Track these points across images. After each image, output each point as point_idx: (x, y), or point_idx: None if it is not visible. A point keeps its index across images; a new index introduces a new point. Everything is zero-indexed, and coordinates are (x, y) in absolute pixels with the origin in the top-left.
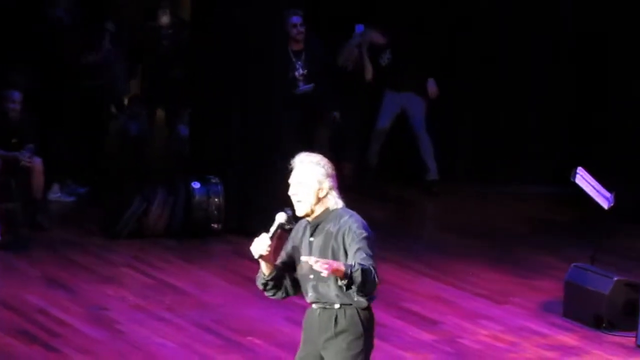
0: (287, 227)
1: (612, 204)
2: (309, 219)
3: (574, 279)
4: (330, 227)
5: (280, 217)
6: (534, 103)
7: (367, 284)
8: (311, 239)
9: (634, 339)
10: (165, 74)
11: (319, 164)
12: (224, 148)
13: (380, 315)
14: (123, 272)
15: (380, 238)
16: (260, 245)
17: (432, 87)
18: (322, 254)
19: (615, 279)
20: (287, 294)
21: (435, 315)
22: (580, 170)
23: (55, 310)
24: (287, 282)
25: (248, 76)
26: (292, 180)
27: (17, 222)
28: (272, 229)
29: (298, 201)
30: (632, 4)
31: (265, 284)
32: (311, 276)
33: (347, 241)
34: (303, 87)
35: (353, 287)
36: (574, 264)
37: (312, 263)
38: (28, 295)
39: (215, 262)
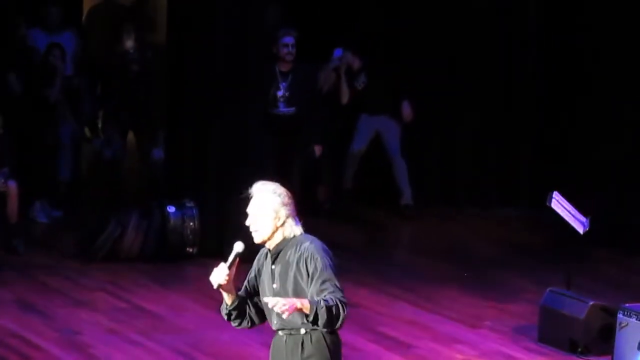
0: (240, 256)
1: (587, 229)
2: (269, 247)
3: (550, 304)
4: (291, 254)
5: (238, 247)
6: (508, 126)
7: (332, 320)
8: (273, 266)
9: None
10: (134, 97)
11: (275, 192)
12: (199, 172)
13: (355, 339)
14: (97, 296)
15: (355, 262)
16: (219, 274)
17: (406, 109)
18: (284, 282)
19: (591, 303)
20: (253, 323)
21: (410, 339)
22: (556, 195)
23: (29, 333)
24: (252, 311)
25: (224, 98)
26: (249, 209)
27: None
28: (230, 258)
29: (255, 230)
30: (600, 24)
31: (229, 314)
32: (276, 307)
33: (310, 269)
34: (283, 109)
35: (319, 323)
36: (550, 288)
37: (273, 306)
38: (1, 319)
39: (190, 286)
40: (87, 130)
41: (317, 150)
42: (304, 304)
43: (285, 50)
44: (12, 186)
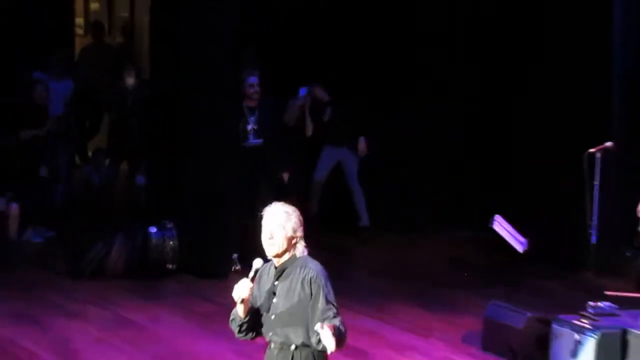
0: (257, 273)
1: (526, 248)
2: (275, 263)
3: (492, 315)
4: (296, 274)
5: (257, 263)
6: (455, 154)
7: (341, 344)
8: (276, 282)
9: None
10: (129, 129)
11: (294, 213)
12: (178, 196)
13: None
14: (86, 308)
15: None
16: (243, 289)
17: (362, 145)
18: (287, 299)
19: (528, 315)
20: (257, 335)
21: (367, 347)
22: (497, 218)
23: (25, 342)
24: (258, 324)
25: (200, 131)
26: (268, 225)
27: None
28: (251, 274)
29: (272, 245)
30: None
31: (240, 326)
32: (273, 317)
33: (314, 291)
34: (253, 141)
35: (332, 346)
36: (492, 301)
37: (326, 336)
38: (0, 329)
39: (170, 299)
40: (77, 159)
41: (285, 176)
42: (332, 327)
43: (251, 90)
44: (14, 208)
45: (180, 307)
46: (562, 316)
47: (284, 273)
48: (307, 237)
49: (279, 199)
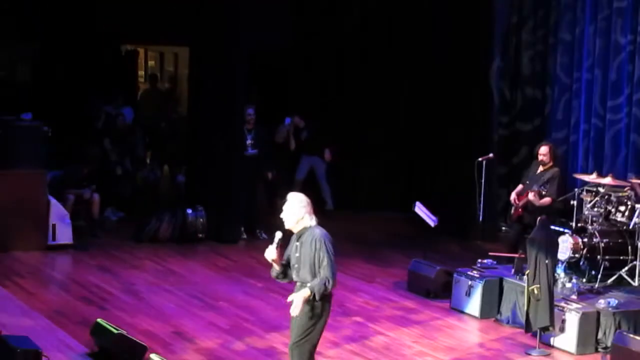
0: (282, 240)
1: (436, 224)
2: (294, 232)
3: (414, 268)
4: (307, 237)
5: (278, 235)
6: (391, 156)
7: (322, 294)
8: (297, 243)
9: (448, 304)
10: (172, 144)
11: (298, 198)
12: (205, 189)
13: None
14: (145, 263)
15: None
16: (271, 253)
17: (327, 154)
18: (304, 253)
19: (438, 268)
20: (290, 280)
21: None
22: (418, 203)
23: (104, 284)
24: (289, 273)
25: (217, 146)
26: (285, 208)
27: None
28: (274, 243)
29: (286, 221)
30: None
31: (277, 276)
32: (296, 266)
33: (317, 247)
34: (251, 151)
35: (319, 297)
36: (414, 259)
37: (296, 306)
38: (88, 276)
39: (200, 257)
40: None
41: (270, 175)
42: (305, 296)
43: (249, 117)
44: (96, 197)
45: (207, 262)
46: (460, 269)
47: (300, 238)
48: None
49: (269, 192)
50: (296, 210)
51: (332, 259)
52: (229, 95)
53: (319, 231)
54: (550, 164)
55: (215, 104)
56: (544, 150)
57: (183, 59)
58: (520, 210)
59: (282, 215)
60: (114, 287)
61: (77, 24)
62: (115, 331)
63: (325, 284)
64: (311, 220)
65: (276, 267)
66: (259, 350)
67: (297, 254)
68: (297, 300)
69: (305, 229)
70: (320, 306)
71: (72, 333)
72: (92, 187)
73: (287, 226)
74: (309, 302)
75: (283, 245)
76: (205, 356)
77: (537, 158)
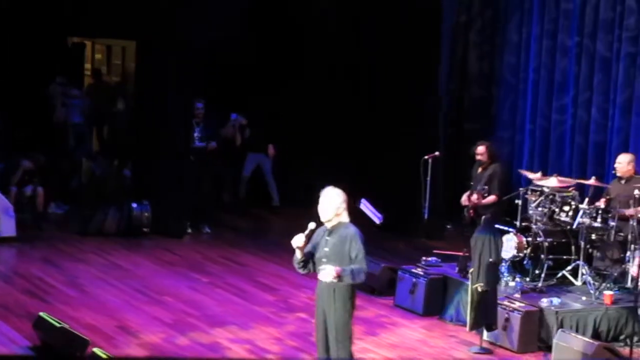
0: (312, 231)
1: (382, 221)
2: (328, 226)
3: None
4: (342, 232)
5: (311, 225)
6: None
7: (354, 280)
8: (328, 238)
9: (392, 301)
10: (117, 138)
11: (339, 194)
12: (151, 183)
13: (242, 285)
14: (90, 256)
15: (246, 239)
16: (299, 240)
17: (271, 150)
18: (335, 248)
19: (383, 265)
20: (310, 271)
21: (276, 285)
22: (363, 200)
23: (48, 278)
24: (310, 265)
25: (164, 139)
26: (323, 201)
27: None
28: (307, 231)
29: (324, 214)
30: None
31: (299, 264)
32: (324, 260)
33: (352, 244)
34: (198, 143)
35: (344, 280)
36: None
37: (329, 273)
38: (32, 269)
39: (145, 251)
40: (84, 158)
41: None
42: (339, 271)
43: (197, 111)
44: (40, 190)
45: (152, 256)
46: (404, 266)
47: (332, 233)
48: (237, 211)
49: (215, 186)
50: (338, 204)
51: (365, 258)
52: (175, 89)
53: (354, 229)
54: (489, 162)
55: (162, 97)
56: (480, 149)
57: (131, 53)
58: (472, 211)
59: (319, 207)
60: (58, 281)
61: (23, 16)
62: (57, 325)
63: (360, 272)
64: (346, 217)
65: (298, 255)
66: (203, 346)
67: (327, 248)
68: (329, 272)
69: (340, 224)
70: (351, 295)
71: (15, 326)
72: (35, 181)
73: (323, 219)
74: (341, 298)
75: (308, 240)
76: (149, 351)
77: (475, 158)
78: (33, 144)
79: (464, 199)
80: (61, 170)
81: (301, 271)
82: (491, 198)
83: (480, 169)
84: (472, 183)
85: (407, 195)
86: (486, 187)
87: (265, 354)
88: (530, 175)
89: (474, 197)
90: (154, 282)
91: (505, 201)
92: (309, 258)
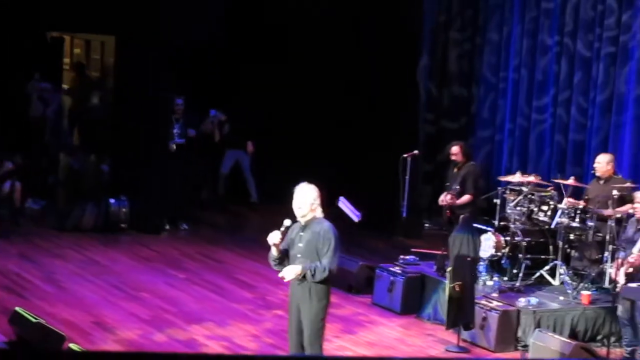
0: (288, 228)
1: (360, 219)
2: (302, 221)
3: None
4: (315, 227)
5: (287, 222)
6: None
7: (315, 277)
8: (302, 233)
9: (370, 299)
10: (95, 133)
11: (313, 189)
12: (129, 179)
13: (220, 281)
14: (67, 252)
15: (223, 235)
16: (274, 237)
17: (249, 146)
18: (309, 244)
19: (360, 263)
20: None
21: (254, 282)
22: (342, 198)
23: (25, 273)
24: (286, 261)
25: (143, 135)
26: (297, 196)
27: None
28: (282, 228)
29: (299, 210)
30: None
31: (274, 261)
32: (299, 255)
33: (325, 240)
34: (177, 140)
35: (308, 279)
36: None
37: (290, 272)
38: (9, 265)
39: (123, 247)
40: (62, 153)
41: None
42: (297, 272)
43: (177, 107)
44: (18, 185)
45: (130, 252)
46: (382, 264)
47: (306, 228)
48: (215, 208)
49: (193, 183)
50: (312, 200)
51: (336, 254)
52: (154, 85)
53: (328, 224)
54: (464, 161)
55: (141, 93)
56: (455, 149)
57: (110, 48)
58: (448, 212)
59: (294, 203)
60: (35, 276)
61: (1, 10)
62: (34, 320)
63: (322, 271)
64: (320, 212)
65: (274, 252)
66: (180, 342)
67: (301, 244)
68: (289, 272)
69: (314, 219)
70: (325, 292)
71: None
72: (13, 177)
73: (298, 214)
74: (315, 295)
75: (283, 237)
76: (125, 347)
77: (449, 158)
78: (10, 140)
79: (441, 199)
80: (39, 165)
81: (277, 268)
82: (466, 197)
83: (455, 169)
84: (448, 183)
85: (385, 193)
86: (458, 187)
87: (242, 351)
88: (510, 178)
89: (448, 197)
90: (131, 278)
91: (481, 200)
92: (285, 255)
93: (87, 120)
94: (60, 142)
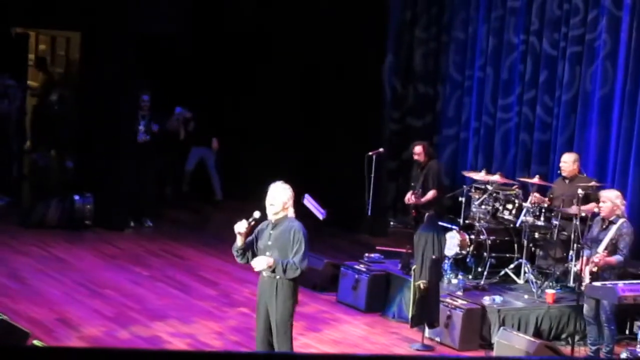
0: (256, 221)
1: (325, 217)
2: (273, 219)
3: None
4: (286, 226)
5: (256, 214)
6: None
7: (286, 274)
8: (271, 231)
9: (335, 297)
10: (54, 130)
11: (286, 188)
12: (93, 175)
13: (184, 279)
14: (31, 249)
15: (186, 233)
16: (241, 226)
17: (214, 143)
18: (277, 242)
19: (325, 260)
20: (248, 261)
21: (218, 280)
22: (307, 195)
23: None
24: (249, 254)
25: (108, 130)
26: (271, 195)
27: None
28: (250, 219)
29: (272, 207)
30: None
31: (237, 252)
32: (267, 253)
33: (295, 239)
34: (141, 136)
35: (279, 273)
36: None
37: (261, 262)
38: None
39: (87, 244)
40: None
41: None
42: (270, 263)
43: (143, 104)
44: None
45: (94, 249)
46: (347, 262)
47: (277, 226)
48: (180, 205)
49: (158, 180)
50: (286, 199)
51: (306, 254)
52: (119, 81)
53: (299, 224)
54: (427, 160)
55: (106, 89)
56: (417, 149)
57: (75, 44)
58: (414, 212)
59: (267, 201)
60: None
61: None
62: None
63: (294, 268)
64: (292, 212)
65: (239, 243)
66: (144, 339)
67: (270, 242)
68: (260, 262)
69: (285, 219)
70: (293, 290)
71: None
72: None
73: (270, 212)
74: (283, 294)
75: (252, 225)
76: (89, 344)
77: (412, 158)
78: None
79: (407, 198)
80: (2, 162)
81: (239, 259)
82: (430, 194)
83: (418, 169)
84: (412, 183)
85: (350, 191)
86: (421, 187)
87: (207, 349)
88: (475, 175)
89: (412, 198)
90: (95, 275)
91: (446, 198)
92: (249, 247)
93: (45, 116)
94: (23, 138)
